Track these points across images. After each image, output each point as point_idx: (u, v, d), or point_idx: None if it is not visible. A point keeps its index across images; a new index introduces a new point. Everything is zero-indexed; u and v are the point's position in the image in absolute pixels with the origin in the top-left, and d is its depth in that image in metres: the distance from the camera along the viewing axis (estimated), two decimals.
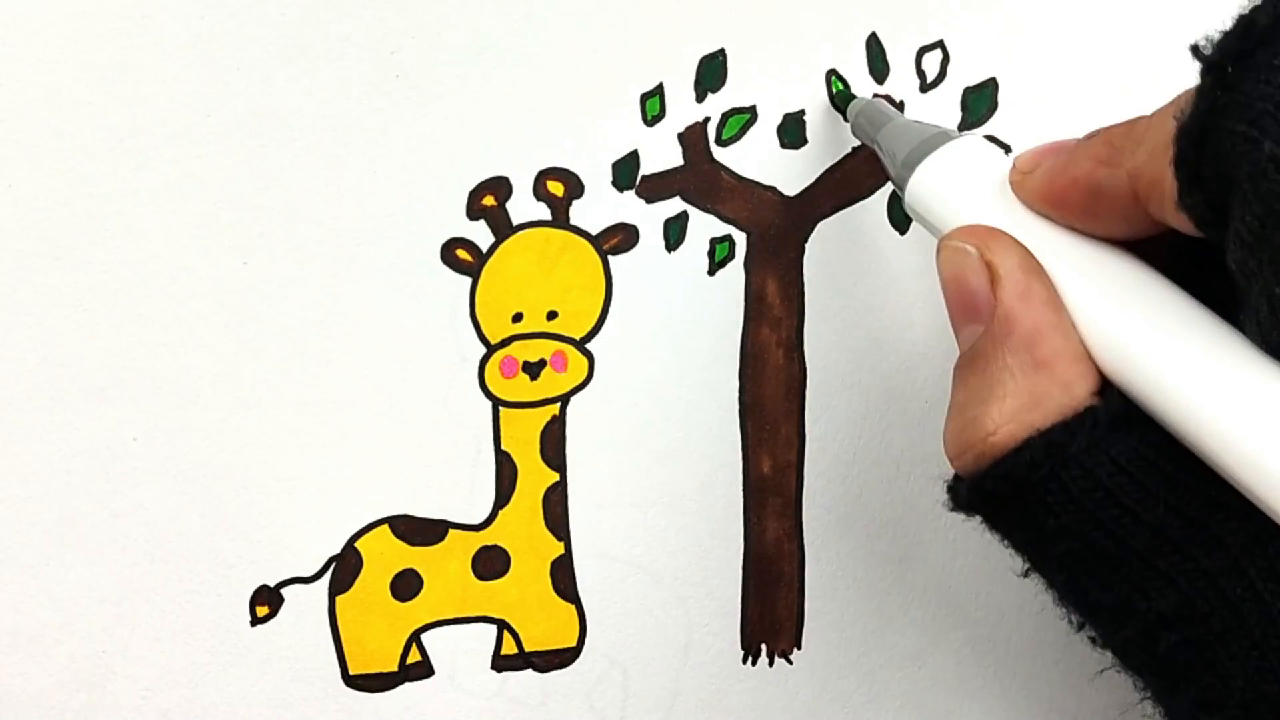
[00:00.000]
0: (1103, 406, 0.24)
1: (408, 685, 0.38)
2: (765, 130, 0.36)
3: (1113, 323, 0.25)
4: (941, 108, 0.36)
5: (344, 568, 0.37)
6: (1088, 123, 0.36)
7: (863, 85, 0.36)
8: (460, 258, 0.36)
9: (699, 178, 0.36)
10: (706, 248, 0.37)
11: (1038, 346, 0.25)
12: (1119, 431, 0.24)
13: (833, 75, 0.36)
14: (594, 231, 0.36)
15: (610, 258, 0.36)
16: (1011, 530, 0.26)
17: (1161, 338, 0.24)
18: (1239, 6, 0.22)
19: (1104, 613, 0.25)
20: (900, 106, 0.36)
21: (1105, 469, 0.24)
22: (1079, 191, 0.26)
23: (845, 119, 0.35)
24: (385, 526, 0.37)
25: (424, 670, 0.38)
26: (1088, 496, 0.24)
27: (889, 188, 0.36)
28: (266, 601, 0.37)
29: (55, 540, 0.36)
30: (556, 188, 0.36)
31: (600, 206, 0.36)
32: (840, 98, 0.36)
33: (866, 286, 0.37)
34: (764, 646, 0.39)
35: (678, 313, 0.37)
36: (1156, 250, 0.26)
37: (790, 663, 0.39)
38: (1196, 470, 0.23)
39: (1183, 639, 0.23)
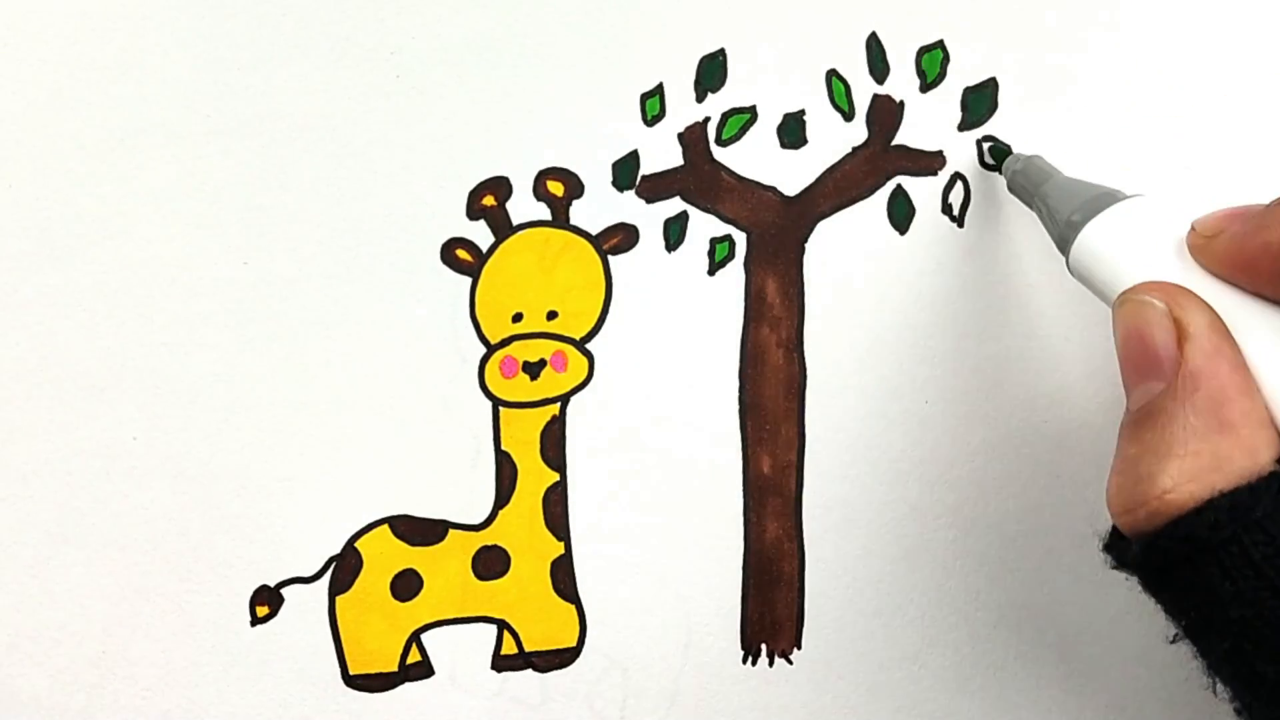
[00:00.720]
0: None
1: (408, 685, 0.38)
2: (765, 130, 0.36)
3: None
4: (941, 108, 0.36)
5: (344, 568, 0.37)
6: (1088, 123, 0.36)
7: (863, 85, 0.36)
8: (460, 258, 0.36)
9: (699, 178, 0.36)
10: (706, 248, 0.37)
11: (1224, 408, 0.25)
12: None
13: (833, 75, 0.36)
14: (594, 231, 0.36)
15: (610, 258, 0.36)
16: (1180, 593, 0.25)
17: None
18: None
19: (1268, 685, 0.24)
20: (900, 106, 0.36)
21: None
22: (1271, 256, 0.26)
23: (1001, 175, 0.35)
24: (385, 526, 0.37)
25: (424, 670, 0.38)
26: (1269, 563, 0.24)
27: (889, 187, 0.36)
28: (266, 601, 0.37)
29: (55, 540, 0.36)
30: (556, 188, 0.36)
31: (600, 206, 0.36)
32: (995, 153, 0.35)
33: (866, 286, 0.37)
34: (764, 646, 0.39)
35: (678, 313, 0.37)
36: None
37: (790, 663, 0.39)
38: None
39: None
